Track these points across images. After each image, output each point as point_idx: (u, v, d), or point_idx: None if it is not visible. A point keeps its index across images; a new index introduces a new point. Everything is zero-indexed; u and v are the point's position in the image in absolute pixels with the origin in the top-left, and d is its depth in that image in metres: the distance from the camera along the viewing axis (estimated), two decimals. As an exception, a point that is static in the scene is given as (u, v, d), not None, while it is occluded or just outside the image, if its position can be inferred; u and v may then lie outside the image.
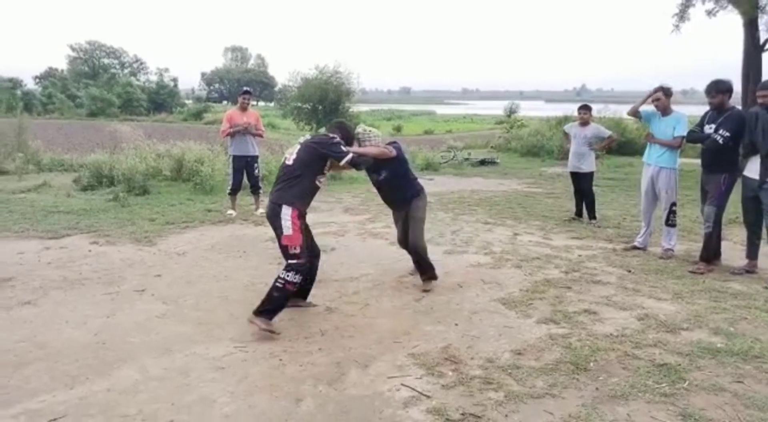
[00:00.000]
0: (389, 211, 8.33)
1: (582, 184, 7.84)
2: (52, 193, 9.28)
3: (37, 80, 71.15)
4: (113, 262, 5.59)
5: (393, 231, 7.03)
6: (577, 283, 5.11)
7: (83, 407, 3.00)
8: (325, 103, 33.37)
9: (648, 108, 6.20)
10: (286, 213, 3.97)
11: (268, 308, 3.94)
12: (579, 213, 7.91)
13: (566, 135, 8.29)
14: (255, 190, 8.28)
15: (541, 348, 3.75)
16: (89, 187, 9.71)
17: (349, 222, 7.62)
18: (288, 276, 3.91)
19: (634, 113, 6.29)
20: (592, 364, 3.51)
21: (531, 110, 52.69)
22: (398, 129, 43.89)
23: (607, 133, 7.82)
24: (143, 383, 3.27)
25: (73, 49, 77.45)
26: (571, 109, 18.82)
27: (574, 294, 4.84)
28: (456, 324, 4.14)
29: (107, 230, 6.86)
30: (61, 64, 78.31)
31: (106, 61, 79.38)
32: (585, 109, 7.95)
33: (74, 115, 51.33)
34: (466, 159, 15.13)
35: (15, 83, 62.10)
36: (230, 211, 8.05)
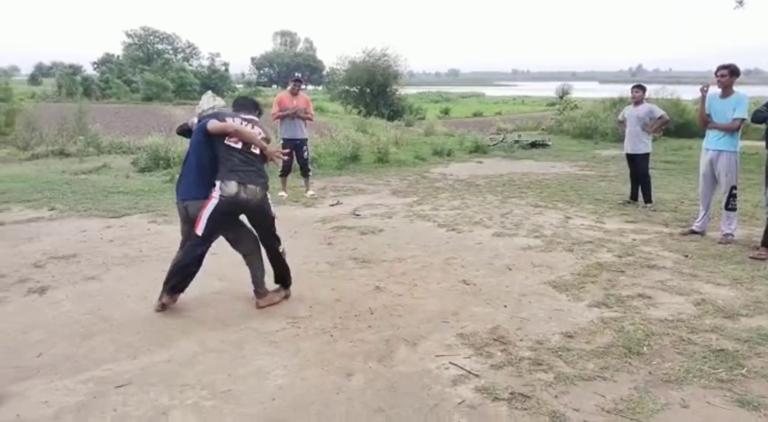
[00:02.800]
0: (437, 194, 8.38)
1: (638, 166, 7.63)
2: (112, 175, 9.66)
3: (95, 66, 73.78)
4: (171, 240, 5.79)
5: (440, 214, 7.06)
6: (631, 267, 5.01)
7: (145, 376, 3.16)
8: (373, 86, 33.31)
9: (712, 91, 5.94)
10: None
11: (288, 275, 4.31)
12: (634, 197, 7.71)
13: (620, 123, 8.08)
14: (305, 171, 8.40)
15: (593, 332, 3.71)
16: (146, 168, 10.06)
17: (396, 205, 7.66)
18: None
19: (704, 120, 6.00)
20: (645, 348, 3.45)
21: (584, 91, 51.23)
22: (446, 111, 43.42)
23: (660, 112, 7.56)
24: (201, 354, 3.41)
25: (129, 35, 79.85)
26: (627, 91, 18.27)
27: (628, 278, 4.74)
28: (505, 306, 4.14)
29: (164, 210, 7.12)
30: (118, 50, 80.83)
31: (159, 46, 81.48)
32: (637, 88, 7.74)
33: (130, 99, 53.00)
34: (516, 141, 14.88)
35: (75, 69, 64.67)
36: (281, 193, 8.20)
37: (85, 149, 12.24)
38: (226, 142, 3.92)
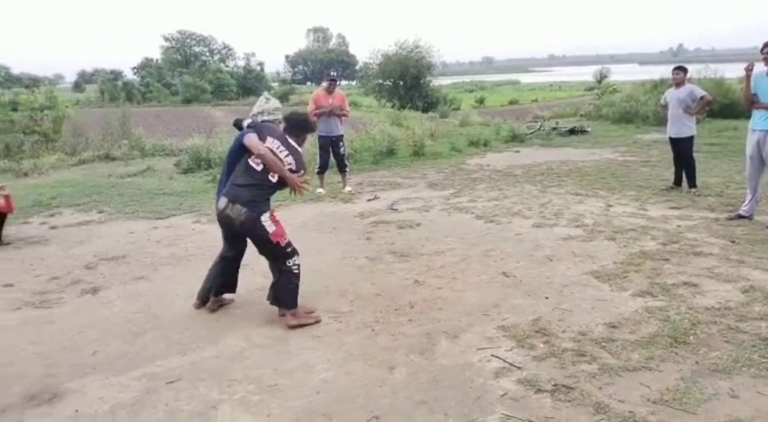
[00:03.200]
0: (474, 185, 8.35)
1: (681, 150, 7.43)
2: (156, 177, 9.95)
3: (135, 70, 75.76)
4: (215, 240, 5.91)
5: (478, 205, 7.03)
6: (676, 255, 4.90)
7: (195, 371, 3.27)
8: (406, 78, 33.27)
9: (757, 70, 5.74)
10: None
11: (292, 301, 3.88)
12: (678, 182, 7.51)
13: (662, 107, 7.89)
14: (342, 168, 8.47)
15: (637, 322, 3.66)
16: (189, 170, 10.31)
17: (433, 198, 7.66)
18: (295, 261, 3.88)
19: (749, 100, 5.82)
20: (691, 338, 3.39)
21: (623, 74, 49.95)
22: (481, 100, 43.05)
23: (701, 93, 7.33)
24: (248, 350, 3.51)
25: (166, 39, 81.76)
26: (668, 72, 17.70)
27: (673, 266, 4.65)
28: (546, 298, 4.11)
29: (207, 210, 7.29)
30: (156, 54, 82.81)
31: (196, 49, 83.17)
32: (678, 70, 7.52)
33: (170, 102, 54.39)
34: (554, 128, 14.63)
35: (116, 75, 66.50)
36: (319, 190, 8.30)
37: (130, 152, 12.63)
38: (249, 160, 3.82)
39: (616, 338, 3.44)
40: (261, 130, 3.91)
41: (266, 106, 4.20)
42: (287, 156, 3.83)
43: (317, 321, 3.88)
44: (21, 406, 2.97)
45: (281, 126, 4.07)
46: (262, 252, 3.89)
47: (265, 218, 3.75)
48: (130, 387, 3.11)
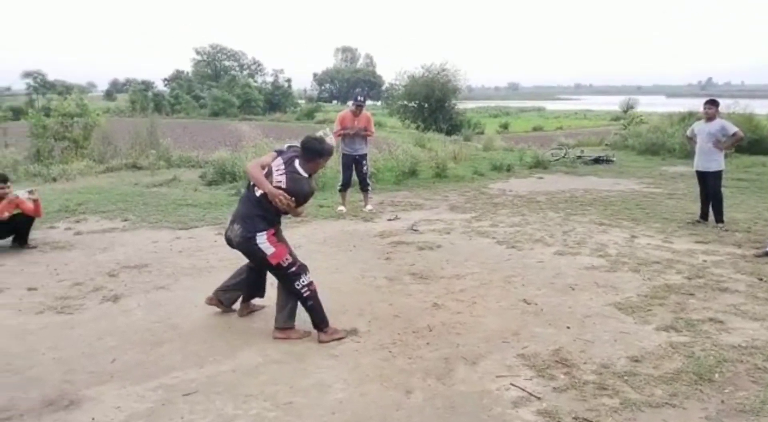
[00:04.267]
0: (496, 210, 8.30)
1: (709, 184, 7.32)
2: (181, 188, 10.07)
3: (166, 82, 77.31)
4: (236, 253, 5.94)
5: (500, 230, 6.98)
6: (702, 290, 4.80)
7: (211, 385, 3.27)
8: (431, 100, 33.41)
9: None
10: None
11: (318, 320, 3.88)
12: (704, 216, 7.39)
13: (689, 139, 7.83)
14: (364, 186, 8.50)
15: (661, 356, 3.58)
16: (214, 182, 10.43)
17: (455, 220, 7.63)
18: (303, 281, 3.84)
19: None
20: (717, 376, 3.30)
21: (650, 106, 49.60)
22: (505, 126, 43.04)
23: (734, 129, 7.24)
24: (264, 365, 3.50)
25: (198, 53, 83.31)
26: (696, 105, 17.53)
27: (698, 301, 4.55)
28: (568, 327, 4.04)
29: (230, 222, 7.35)
30: (187, 67, 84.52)
31: (227, 63, 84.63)
32: (710, 104, 7.44)
33: (198, 114, 55.29)
34: (579, 157, 14.53)
35: (147, 85, 67.99)
36: (341, 207, 8.32)
37: (157, 163, 12.82)
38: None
39: (639, 372, 3.36)
40: (281, 152, 3.98)
41: (297, 143, 4.10)
42: (281, 175, 3.80)
43: (342, 337, 3.87)
44: (39, 411, 2.98)
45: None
46: (264, 268, 3.95)
47: (261, 240, 3.75)
48: (146, 398, 3.12)
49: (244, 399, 3.11)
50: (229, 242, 3.97)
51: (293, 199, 3.78)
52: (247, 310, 4.32)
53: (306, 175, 3.89)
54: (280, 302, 3.95)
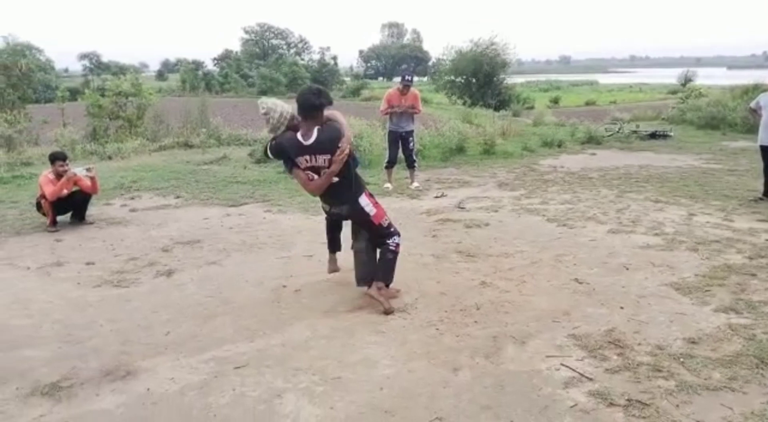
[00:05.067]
0: (546, 187, 8.11)
1: (774, 160, 6.93)
2: (231, 165, 10.23)
3: (215, 62, 78.46)
4: (285, 229, 6.06)
5: (550, 208, 6.82)
6: (764, 270, 4.57)
7: (262, 358, 3.32)
8: (479, 75, 32.75)
9: None
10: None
11: (385, 274, 4.06)
12: (768, 193, 7.03)
13: (752, 111, 7.40)
14: (410, 163, 8.43)
15: (720, 339, 3.43)
16: (262, 160, 10.52)
17: (503, 198, 7.49)
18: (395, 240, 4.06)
19: None
20: (780, 360, 3.14)
21: (710, 78, 47.39)
22: (556, 101, 41.92)
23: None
24: (313, 340, 3.54)
25: (246, 32, 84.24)
26: (760, 76, 16.61)
27: (760, 282, 4.33)
28: (621, 308, 3.92)
29: (278, 199, 7.45)
30: (236, 46, 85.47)
31: (274, 41, 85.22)
32: None
33: (247, 93, 55.96)
34: (634, 131, 14.01)
35: (197, 65, 69.23)
36: (387, 184, 8.30)
37: (207, 141, 13.06)
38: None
39: (696, 354, 3.24)
40: (287, 155, 3.79)
41: (272, 121, 3.82)
42: (319, 158, 3.72)
43: (388, 311, 3.90)
44: (98, 381, 3.10)
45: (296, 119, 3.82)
46: (365, 229, 4.12)
47: (364, 201, 3.93)
48: (199, 370, 3.20)
49: (293, 372, 3.15)
50: (338, 217, 4.17)
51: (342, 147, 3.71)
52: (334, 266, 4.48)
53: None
54: (371, 264, 4.15)
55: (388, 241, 4.01)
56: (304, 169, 3.79)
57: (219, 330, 3.72)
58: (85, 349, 3.46)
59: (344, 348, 3.43)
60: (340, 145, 3.69)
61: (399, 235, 4.09)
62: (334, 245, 4.43)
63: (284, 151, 3.80)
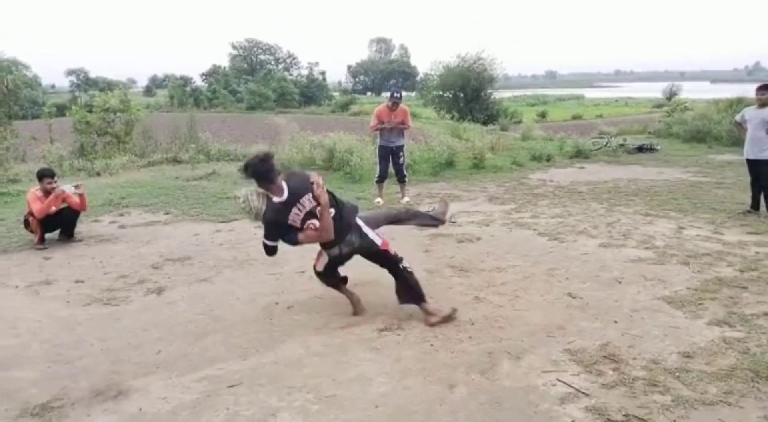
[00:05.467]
0: (537, 201, 8.15)
1: (760, 173, 6.99)
2: (221, 181, 10.19)
3: (204, 77, 78.44)
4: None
5: (541, 222, 6.84)
6: (755, 283, 4.60)
7: (255, 376, 3.28)
8: (467, 90, 33.07)
9: None
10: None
11: (421, 292, 4.07)
12: (755, 206, 7.09)
13: (738, 125, 7.49)
14: (401, 178, 8.45)
15: (714, 352, 3.44)
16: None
17: (494, 212, 7.51)
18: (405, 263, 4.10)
19: None
20: (775, 373, 3.15)
21: (694, 92, 48.11)
22: (543, 115, 42.35)
23: (791, 115, 6.89)
24: (306, 358, 3.50)
25: (234, 48, 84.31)
26: (744, 90, 16.84)
27: (752, 295, 4.36)
28: (615, 322, 3.93)
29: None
30: (224, 62, 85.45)
31: (262, 57, 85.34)
32: (764, 88, 7.07)
33: (235, 108, 55.99)
34: (621, 145, 14.14)
35: (185, 81, 69.26)
36: (378, 199, 8.30)
37: (196, 156, 13.00)
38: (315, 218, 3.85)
39: (691, 369, 3.24)
40: (282, 225, 3.82)
41: (253, 207, 4.03)
42: (304, 201, 3.79)
43: (446, 318, 3.96)
44: (89, 401, 3.05)
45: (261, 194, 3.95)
46: (377, 262, 4.13)
47: (367, 229, 4.02)
48: (192, 389, 3.15)
49: (287, 391, 3.11)
50: (349, 251, 4.01)
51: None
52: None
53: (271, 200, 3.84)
54: (407, 293, 4.09)
55: (400, 265, 4.04)
56: (302, 222, 3.80)
57: (211, 348, 3.68)
58: (75, 369, 3.41)
59: (338, 365, 3.40)
60: (312, 180, 3.81)
61: (404, 259, 4.12)
62: (340, 279, 4.25)
63: (277, 223, 3.82)
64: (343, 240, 3.94)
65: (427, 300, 4.04)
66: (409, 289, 4.05)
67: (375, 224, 4.22)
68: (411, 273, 4.06)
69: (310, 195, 3.79)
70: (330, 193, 3.92)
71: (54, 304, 4.50)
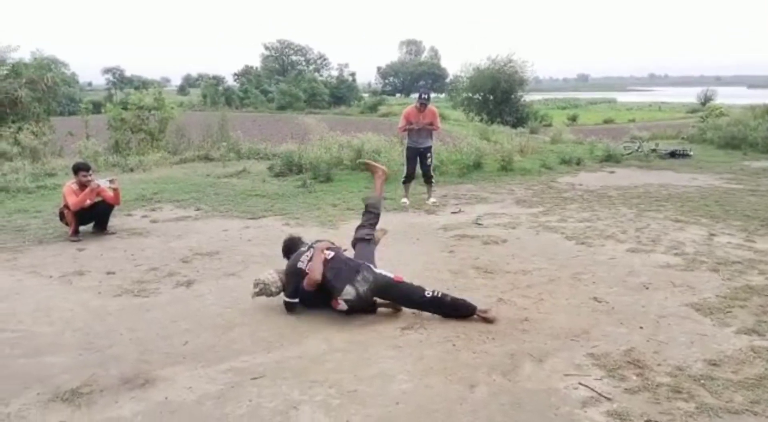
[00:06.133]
0: (565, 204, 8.07)
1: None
2: (250, 179, 10.34)
3: (236, 77, 79.57)
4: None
5: (569, 225, 6.79)
6: (788, 293, 4.50)
7: (278, 370, 3.34)
8: (497, 92, 32.88)
9: None
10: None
11: (467, 310, 4.04)
12: (791, 214, 6.92)
13: None
14: (427, 179, 8.46)
15: (741, 361, 3.38)
16: (281, 173, 10.64)
17: (521, 215, 7.47)
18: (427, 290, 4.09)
19: None
20: (805, 385, 3.08)
21: (730, 97, 46.95)
22: (574, 118, 41.85)
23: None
24: (329, 353, 3.55)
25: (266, 48, 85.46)
26: (784, 95, 16.49)
27: (784, 304, 4.26)
28: (641, 328, 3.88)
29: (296, 213, 7.51)
30: (256, 62, 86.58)
31: (294, 58, 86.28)
32: None
33: (266, 108, 56.67)
34: (653, 150, 13.89)
35: (218, 80, 70.32)
36: (404, 199, 8.32)
37: (227, 154, 13.19)
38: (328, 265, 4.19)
39: (717, 377, 3.19)
40: (295, 272, 4.22)
41: (272, 289, 4.27)
42: (309, 256, 4.25)
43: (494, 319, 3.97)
44: (117, 388, 3.14)
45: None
46: (398, 299, 4.13)
47: (378, 269, 4.14)
48: (217, 380, 3.22)
49: (309, 384, 3.16)
50: (366, 298, 4.05)
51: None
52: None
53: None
54: (454, 315, 4.06)
55: (426, 294, 4.00)
56: (307, 264, 4.18)
57: (237, 341, 3.75)
58: (105, 357, 3.51)
59: (360, 361, 3.43)
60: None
61: (428, 288, 4.08)
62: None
63: (294, 268, 4.24)
64: (355, 279, 4.01)
65: (477, 307, 4.02)
66: (452, 311, 4.01)
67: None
68: (442, 296, 4.02)
69: (321, 244, 4.30)
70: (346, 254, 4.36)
71: (86, 294, 4.64)
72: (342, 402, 2.98)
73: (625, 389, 3.07)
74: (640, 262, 5.33)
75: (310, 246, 4.33)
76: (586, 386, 3.11)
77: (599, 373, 3.26)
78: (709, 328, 3.87)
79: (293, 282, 4.18)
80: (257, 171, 11.07)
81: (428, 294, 4.00)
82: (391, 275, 4.11)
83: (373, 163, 5.24)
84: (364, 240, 4.52)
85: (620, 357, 3.43)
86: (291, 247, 4.49)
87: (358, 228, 4.68)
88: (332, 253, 4.20)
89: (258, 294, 4.22)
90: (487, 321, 3.95)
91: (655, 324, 3.93)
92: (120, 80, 76.18)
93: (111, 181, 6.57)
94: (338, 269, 4.07)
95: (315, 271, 4.06)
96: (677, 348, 3.57)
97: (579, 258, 5.47)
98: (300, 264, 4.19)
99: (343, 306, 4.02)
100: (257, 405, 2.96)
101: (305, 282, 4.10)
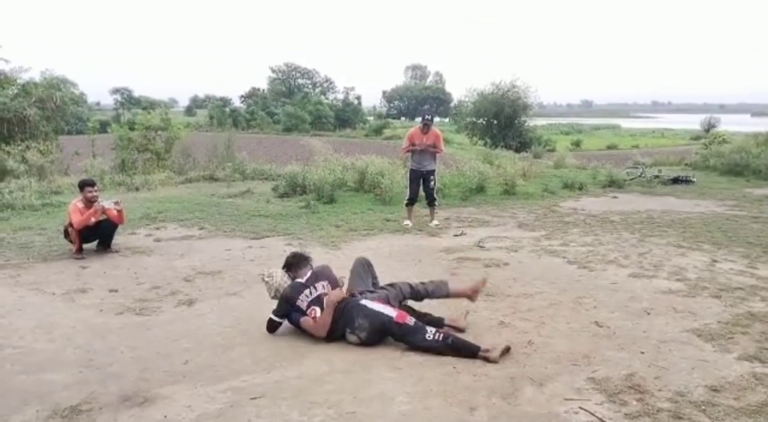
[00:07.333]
0: (567, 229, 8.09)
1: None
2: (255, 199, 10.40)
3: (243, 99, 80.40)
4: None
5: (571, 250, 6.79)
6: (790, 320, 4.48)
7: (278, 390, 3.33)
8: (501, 117, 33.10)
9: None
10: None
11: (469, 351, 3.83)
12: (794, 241, 6.92)
13: None
14: (430, 201, 8.50)
15: (743, 387, 3.36)
16: (285, 194, 10.71)
17: (523, 238, 7.48)
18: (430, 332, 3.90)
19: None
20: (808, 413, 3.06)
21: (733, 125, 47.15)
22: (577, 144, 41.99)
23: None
24: (329, 374, 3.54)
25: (273, 71, 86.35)
26: (787, 124, 16.58)
27: (786, 332, 4.25)
28: (642, 353, 3.87)
29: (300, 233, 7.54)
30: (263, 84, 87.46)
31: (300, 81, 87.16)
32: None
33: (272, 130, 57.16)
34: (656, 176, 13.96)
35: (225, 102, 71.07)
36: (407, 222, 8.35)
37: (232, 175, 13.31)
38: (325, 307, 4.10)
39: (719, 403, 3.17)
40: (290, 302, 4.16)
41: (277, 286, 4.30)
42: (318, 286, 4.23)
43: (504, 351, 3.80)
44: (116, 406, 3.14)
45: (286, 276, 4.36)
46: (398, 339, 3.96)
47: (374, 304, 4.02)
48: (216, 399, 3.22)
49: (308, 405, 3.15)
50: (368, 341, 3.98)
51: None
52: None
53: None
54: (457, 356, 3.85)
55: (428, 338, 3.82)
56: (307, 306, 4.11)
57: (237, 360, 3.75)
58: (105, 375, 3.51)
59: (360, 382, 3.43)
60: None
61: (430, 328, 3.89)
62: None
63: (289, 299, 4.16)
64: (354, 327, 3.96)
65: (481, 348, 3.79)
66: (454, 353, 3.79)
67: (395, 300, 4.22)
68: (443, 338, 3.82)
69: (326, 282, 4.25)
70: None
71: (88, 312, 4.65)
72: (341, 424, 2.96)
73: (626, 414, 3.06)
74: (641, 287, 5.32)
75: (313, 285, 4.20)
76: (586, 410, 3.09)
77: (600, 398, 3.24)
78: (711, 354, 3.85)
79: (285, 308, 4.15)
80: (261, 191, 11.14)
81: (429, 336, 3.84)
82: (392, 314, 3.94)
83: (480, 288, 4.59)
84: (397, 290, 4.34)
85: (621, 382, 3.42)
86: (293, 265, 4.37)
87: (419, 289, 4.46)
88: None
89: (266, 283, 4.31)
90: (489, 361, 3.73)
91: (656, 350, 3.92)
92: (128, 100, 76.88)
93: (116, 203, 6.63)
94: (335, 319, 4.01)
95: (320, 328, 4.02)
96: (678, 373, 3.56)
97: (581, 283, 5.47)
98: (299, 303, 4.12)
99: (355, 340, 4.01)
100: (256, 425, 2.95)
101: (306, 326, 4.06)
